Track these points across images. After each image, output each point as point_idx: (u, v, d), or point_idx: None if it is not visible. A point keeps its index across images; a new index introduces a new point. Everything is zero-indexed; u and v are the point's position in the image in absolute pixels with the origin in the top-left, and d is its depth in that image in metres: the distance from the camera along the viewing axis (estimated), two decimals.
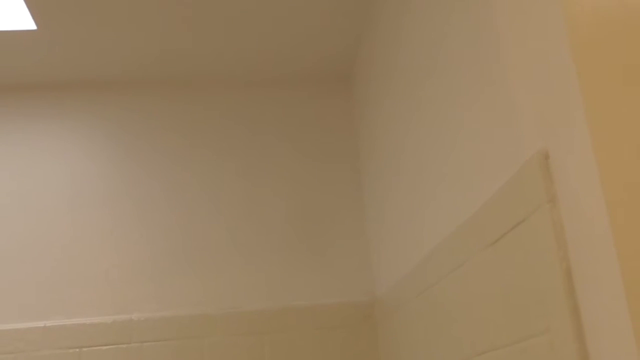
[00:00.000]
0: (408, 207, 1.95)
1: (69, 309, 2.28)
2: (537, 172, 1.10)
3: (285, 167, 2.52)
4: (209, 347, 2.27)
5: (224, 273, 2.37)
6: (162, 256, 2.37)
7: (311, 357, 2.30)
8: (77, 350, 2.22)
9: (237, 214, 2.44)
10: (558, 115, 1.06)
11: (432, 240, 1.73)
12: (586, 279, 1.00)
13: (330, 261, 2.43)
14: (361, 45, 2.45)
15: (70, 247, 2.35)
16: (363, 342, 2.33)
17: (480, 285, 1.38)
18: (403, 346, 2.02)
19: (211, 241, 2.40)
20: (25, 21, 2.12)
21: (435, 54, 1.65)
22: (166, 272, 2.35)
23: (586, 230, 1.00)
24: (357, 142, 2.58)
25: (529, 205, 1.12)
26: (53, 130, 2.48)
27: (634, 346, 0.88)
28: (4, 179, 2.40)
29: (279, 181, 2.50)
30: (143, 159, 2.47)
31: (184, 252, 2.38)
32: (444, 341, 1.62)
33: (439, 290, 1.65)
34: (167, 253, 2.37)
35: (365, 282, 2.42)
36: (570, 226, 1.04)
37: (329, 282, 2.41)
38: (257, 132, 2.56)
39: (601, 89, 0.90)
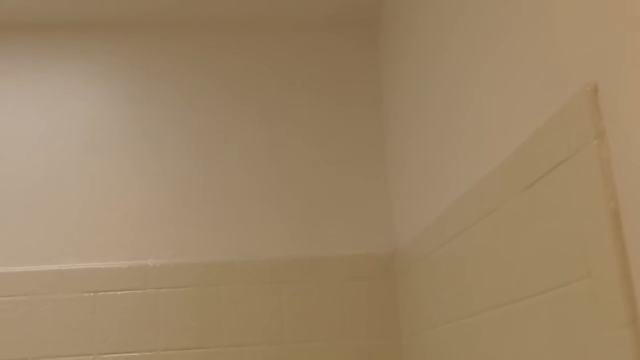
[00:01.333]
0: (433, 155, 1.88)
1: (85, 254, 2.24)
2: (584, 107, 1.02)
3: (307, 113, 2.45)
4: (226, 296, 2.23)
5: (242, 221, 2.32)
6: (180, 202, 2.32)
7: (329, 308, 2.25)
8: (92, 294, 2.19)
9: (257, 161, 2.38)
10: (610, 46, 0.98)
11: (459, 189, 1.66)
12: (636, 221, 0.93)
13: (350, 212, 2.37)
14: None
15: (87, 190, 2.30)
16: (382, 295, 2.28)
17: (513, 232, 1.31)
18: (425, 299, 1.96)
19: (231, 188, 2.35)
20: None
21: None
22: (184, 218, 2.30)
23: (637, 169, 0.93)
24: (381, 89, 2.50)
25: (575, 142, 1.05)
26: (73, 71, 2.41)
27: None
28: (23, 120, 2.35)
29: (301, 128, 2.43)
30: (163, 103, 2.41)
31: (202, 199, 2.33)
32: (472, 292, 1.56)
33: (466, 239, 1.59)
34: (185, 199, 2.32)
35: (386, 234, 2.36)
36: (619, 165, 0.97)
37: (348, 233, 2.35)
38: (279, 77, 2.48)
39: None
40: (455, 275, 1.68)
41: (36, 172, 2.31)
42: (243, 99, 2.44)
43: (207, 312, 2.21)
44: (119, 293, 2.20)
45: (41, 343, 2.14)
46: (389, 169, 2.41)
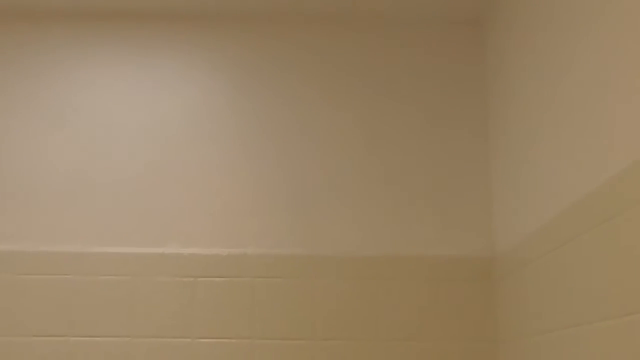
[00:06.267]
0: (540, 161, 1.83)
1: (187, 239, 2.30)
2: None
3: (409, 111, 2.43)
4: (321, 289, 2.24)
5: (341, 216, 2.33)
6: (281, 194, 2.35)
7: (423, 308, 2.24)
8: (192, 279, 2.24)
9: (356, 157, 2.38)
10: None
11: (568, 197, 1.61)
12: None
13: (448, 212, 2.34)
14: None
15: (190, 178, 2.36)
16: (478, 300, 2.25)
17: (627, 243, 1.26)
18: (525, 306, 1.92)
19: (332, 184, 2.36)
20: None
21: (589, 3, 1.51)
22: (283, 210, 2.33)
23: None
24: (486, 88, 2.45)
25: None
26: (174, 63, 2.48)
27: None
28: (129, 111, 2.43)
29: (401, 125, 2.42)
30: (268, 91, 2.44)
31: (303, 193, 2.35)
32: (578, 302, 1.51)
33: (575, 248, 1.54)
34: (286, 191, 2.35)
35: (485, 237, 2.32)
36: None
37: (445, 234, 2.32)
38: (377, 76, 2.47)
39: None
40: (561, 284, 1.63)
41: (141, 159, 2.38)
42: (340, 98, 2.45)
43: (301, 304, 2.23)
44: (217, 279, 2.25)
45: (142, 323, 2.22)
46: (491, 172, 2.36)
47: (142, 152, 2.39)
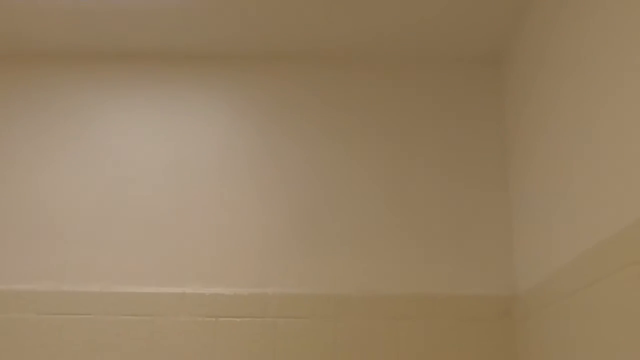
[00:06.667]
0: (563, 200, 1.83)
1: (208, 278, 2.31)
2: None
3: (426, 152, 2.45)
4: (343, 329, 2.24)
5: (362, 255, 2.34)
6: (303, 233, 2.35)
7: (444, 348, 2.22)
8: (214, 319, 2.24)
9: (379, 195, 2.40)
10: None
11: (595, 236, 1.62)
12: None
13: (468, 250, 2.35)
14: (517, 25, 2.33)
15: (213, 217, 2.37)
16: (499, 339, 2.23)
17: None
18: (549, 348, 1.91)
19: (352, 222, 2.37)
20: None
21: (606, 44, 1.53)
22: (305, 249, 2.34)
23: None
24: (505, 126, 2.47)
25: None
26: (205, 100, 2.51)
27: None
28: (152, 152, 2.46)
29: (419, 167, 2.44)
30: (290, 133, 2.47)
31: (325, 230, 2.36)
32: (606, 346, 1.51)
33: (604, 289, 1.54)
34: (308, 230, 2.36)
35: (506, 276, 2.32)
36: None
37: (465, 273, 2.32)
38: (400, 113, 2.50)
39: None
40: (585, 325, 1.63)
41: (166, 197, 2.40)
42: (365, 134, 2.47)
43: (323, 344, 2.23)
44: (238, 319, 2.25)
45: None
46: (512, 210, 2.37)
47: (165, 192, 2.41)
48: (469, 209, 2.39)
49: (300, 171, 2.43)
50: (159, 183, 2.42)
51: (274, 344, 2.22)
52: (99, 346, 2.22)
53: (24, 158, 2.46)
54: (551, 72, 1.97)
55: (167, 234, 2.36)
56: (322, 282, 2.30)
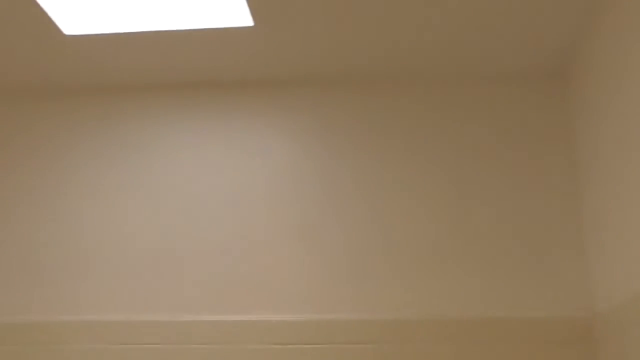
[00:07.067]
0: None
1: (268, 305, 2.28)
2: None
3: (494, 172, 2.39)
4: (408, 354, 2.18)
5: (426, 277, 2.28)
6: (359, 257, 2.32)
7: None
8: (281, 347, 2.21)
9: (443, 217, 2.34)
10: None
11: None
12: None
13: (540, 269, 2.26)
14: (583, 40, 2.26)
15: (275, 244, 2.36)
16: None
17: None
18: None
19: (411, 244, 2.32)
20: (243, 17, 2.15)
21: None
22: (362, 273, 2.30)
23: None
24: (573, 143, 2.39)
25: None
26: (259, 127, 2.51)
27: None
28: (212, 179, 2.47)
29: (487, 186, 2.37)
30: (342, 157, 2.44)
31: (381, 254, 2.32)
32: None
33: None
34: (364, 254, 2.32)
35: (582, 295, 2.22)
36: None
37: (538, 293, 2.24)
38: (462, 133, 2.44)
39: None
40: None
41: (227, 226, 2.40)
42: (426, 155, 2.43)
43: None
44: (306, 346, 2.21)
45: None
46: (586, 226, 2.28)
47: (228, 219, 2.40)
48: (540, 227, 2.31)
49: (369, 192, 2.40)
50: (221, 209, 2.42)
51: None
52: None
53: (105, 193, 2.49)
54: (618, 82, 1.89)
55: (232, 260, 2.35)
56: (383, 307, 2.25)
